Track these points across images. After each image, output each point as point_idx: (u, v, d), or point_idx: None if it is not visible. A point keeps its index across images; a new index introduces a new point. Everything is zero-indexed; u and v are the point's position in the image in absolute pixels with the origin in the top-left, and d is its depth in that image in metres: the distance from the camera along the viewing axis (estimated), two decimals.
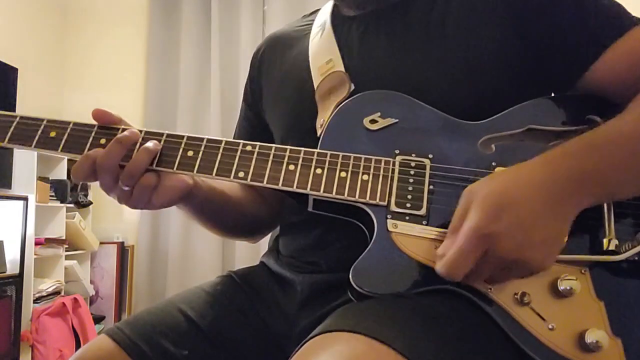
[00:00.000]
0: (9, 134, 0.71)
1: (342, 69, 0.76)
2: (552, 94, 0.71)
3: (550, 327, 0.58)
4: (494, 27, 0.71)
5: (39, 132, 0.70)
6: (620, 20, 0.68)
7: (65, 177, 3.25)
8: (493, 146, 0.66)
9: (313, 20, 0.89)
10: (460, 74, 0.71)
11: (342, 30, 0.81)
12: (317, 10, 0.91)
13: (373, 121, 0.68)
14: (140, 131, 0.70)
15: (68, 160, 3.26)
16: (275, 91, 0.88)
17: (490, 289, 0.59)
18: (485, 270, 0.56)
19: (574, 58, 0.69)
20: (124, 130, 0.69)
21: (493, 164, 0.65)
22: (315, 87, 0.78)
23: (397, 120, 0.68)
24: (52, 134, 0.70)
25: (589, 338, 0.56)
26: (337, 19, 0.83)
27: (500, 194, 0.55)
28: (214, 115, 3.39)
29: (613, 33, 0.67)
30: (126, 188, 0.67)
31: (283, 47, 0.90)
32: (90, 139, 0.69)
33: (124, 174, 0.66)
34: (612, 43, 0.66)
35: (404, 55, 0.74)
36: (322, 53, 0.80)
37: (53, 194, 3.14)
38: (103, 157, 0.66)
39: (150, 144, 0.67)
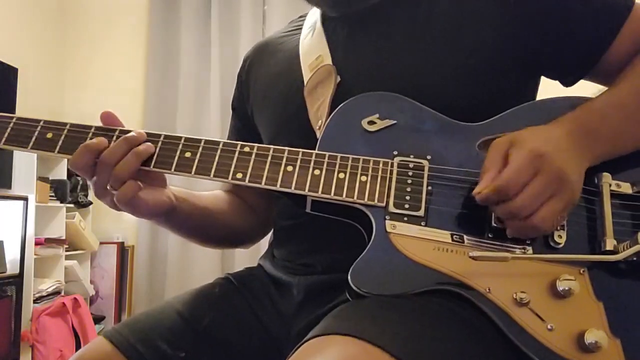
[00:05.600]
0: (6, 135, 0.70)
1: (330, 62, 0.77)
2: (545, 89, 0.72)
3: (549, 327, 0.58)
4: (486, 27, 0.71)
5: (36, 133, 0.70)
6: (621, 2, 0.71)
7: (65, 177, 3.25)
8: None
9: (301, 24, 0.89)
10: (445, 73, 0.71)
11: (330, 28, 0.81)
12: (304, 15, 0.91)
13: (371, 122, 0.68)
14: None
15: (68, 160, 3.25)
16: (264, 94, 0.88)
17: (489, 289, 0.59)
18: (535, 191, 0.58)
19: (587, 50, 0.71)
20: (121, 131, 0.69)
21: None
22: (305, 83, 0.78)
23: (395, 121, 0.68)
24: (49, 135, 0.70)
25: (589, 338, 0.56)
26: (326, 19, 0.83)
27: (533, 134, 0.62)
28: (214, 115, 3.39)
29: (620, 17, 0.70)
30: (114, 191, 0.67)
31: (270, 52, 0.91)
32: (87, 140, 0.69)
33: (112, 176, 0.66)
34: (621, 27, 0.70)
35: (388, 50, 0.75)
36: (313, 50, 0.81)
37: (53, 194, 3.14)
38: (108, 153, 0.66)
39: (141, 147, 0.67)
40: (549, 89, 0.78)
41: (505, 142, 0.61)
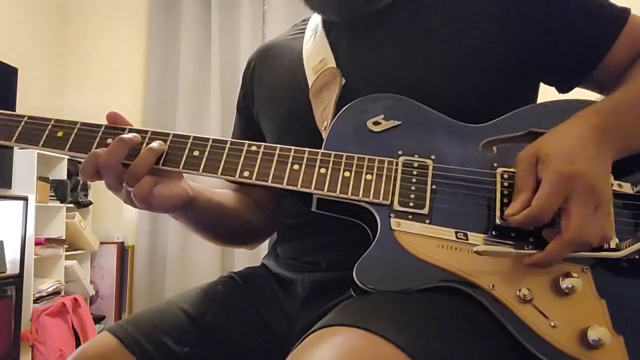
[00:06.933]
0: (17, 133, 0.71)
1: (334, 65, 0.77)
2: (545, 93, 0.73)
3: (552, 324, 0.58)
4: (487, 30, 0.72)
5: (46, 131, 0.71)
6: (618, 9, 0.72)
7: (65, 177, 3.24)
8: (494, 148, 0.67)
9: (304, 28, 0.90)
10: (447, 75, 0.72)
11: (333, 32, 0.82)
12: (307, 19, 0.91)
13: (376, 123, 0.69)
14: (147, 132, 0.70)
15: (68, 160, 3.26)
16: (269, 96, 0.89)
17: (493, 286, 0.60)
18: (573, 208, 0.58)
19: (586, 54, 0.72)
20: (130, 131, 0.70)
21: (495, 164, 0.66)
22: (310, 86, 0.79)
23: (400, 122, 0.69)
24: (60, 134, 0.70)
25: (592, 335, 0.57)
26: (328, 23, 0.84)
27: (560, 147, 0.61)
28: (214, 115, 3.39)
29: (618, 23, 0.71)
30: (130, 188, 0.67)
31: (274, 55, 0.91)
32: (97, 139, 0.70)
33: (128, 173, 0.66)
34: (620, 33, 0.71)
35: (391, 52, 0.76)
36: (316, 53, 0.81)
37: (53, 194, 3.14)
38: (105, 156, 0.66)
39: (155, 144, 0.68)
40: (547, 93, 0.79)
41: (532, 156, 0.62)
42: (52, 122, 0.71)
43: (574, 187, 0.58)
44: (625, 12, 0.72)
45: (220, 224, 0.86)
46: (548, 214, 0.59)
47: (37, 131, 0.71)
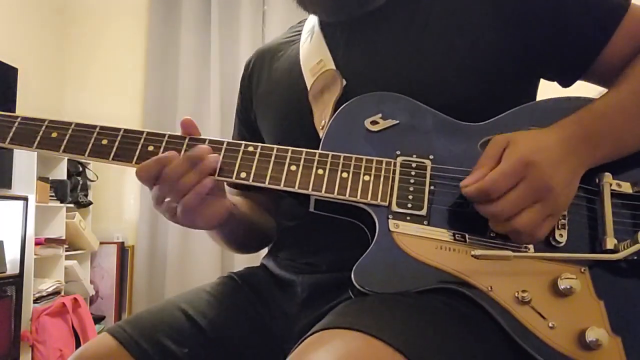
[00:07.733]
0: (11, 134, 0.70)
1: (333, 66, 0.77)
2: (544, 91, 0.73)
3: (550, 325, 0.58)
4: (484, 28, 0.72)
5: (41, 132, 0.70)
6: (617, 1, 0.71)
7: (65, 177, 3.24)
8: None
9: (300, 30, 0.90)
10: (445, 74, 0.72)
11: (329, 33, 0.82)
12: (304, 21, 0.91)
13: (374, 122, 0.68)
14: (142, 132, 0.69)
15: (68, 160, 3.25)
16: (267, 98, 0.89)
17: (491, 287, 0.60)
18: (516, 197, 0.58)
19: (584, 48, 0.71)
20: (126, 130, 0.69)
21: None
22: (308, 87, 0.79)
23: (398, 121, 0.68)
24: (54, 135, 0.70)
25: (589, 336, 0.57)
26: (325, 24, 0.84)
27: (531, 140, 0.62)
28: (214, 115, 3.39)
29: (616, 15, 0.70)
30: (174, 204, 0.66)
31: (271, 58, 0.91)
32: (92, 139, 0.69)
33: (175, 190, 0.65)
34: (618, 25, 0.70)
35: (388, 51, 0.75)
36: (313, 55, 0.81)
37: (53, 194, 3.14)
38: (170, 170, 0.65)
39: (205, 163, 0.66)
40: (548, 90, 0.79)
41: (504, 140, 0.62)
42: (46, 122, 0.70)
43: (528, 174, 0.59)
44: (624, 3, 0.71)
45: (247, 234, 0.86)
46: (497, 191, 0.58)
47: (31, 133, 0.70)
